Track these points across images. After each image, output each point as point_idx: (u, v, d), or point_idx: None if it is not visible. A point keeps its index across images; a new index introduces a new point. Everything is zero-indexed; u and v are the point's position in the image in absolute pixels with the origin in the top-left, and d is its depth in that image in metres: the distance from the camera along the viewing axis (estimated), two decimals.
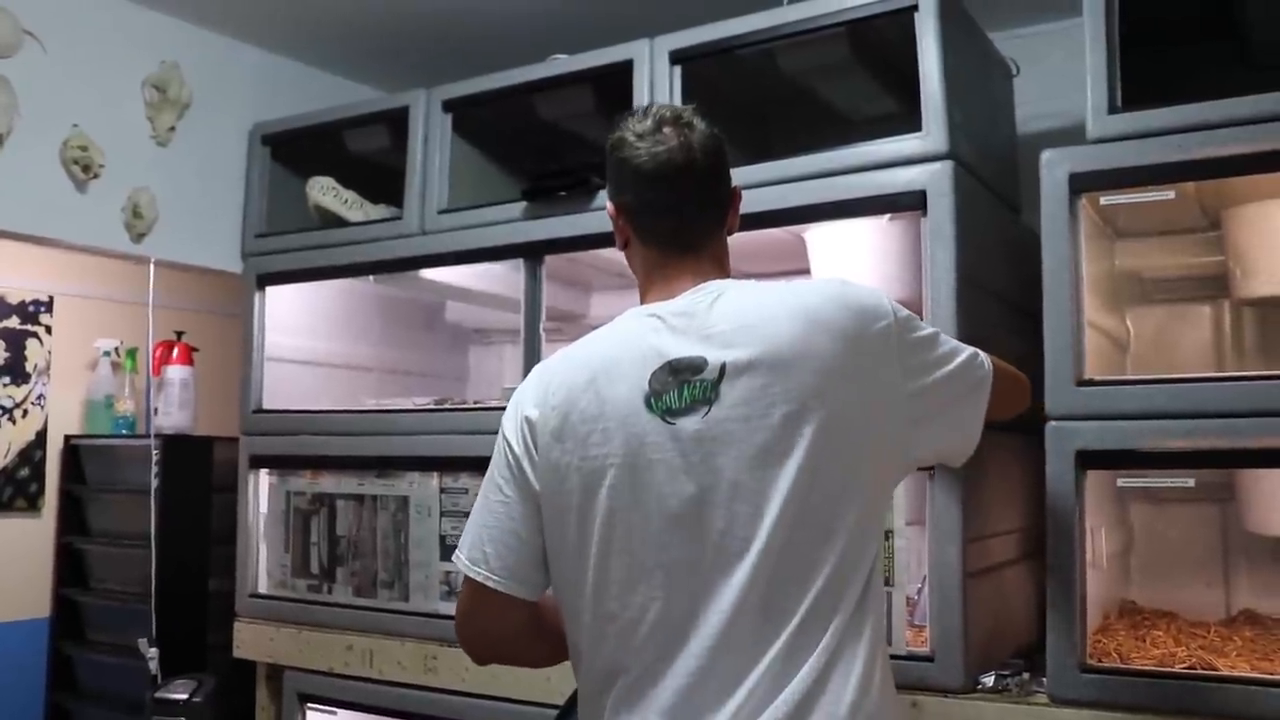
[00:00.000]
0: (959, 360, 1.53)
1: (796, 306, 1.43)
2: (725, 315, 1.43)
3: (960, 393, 1.54)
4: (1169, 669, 1.85)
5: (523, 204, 2.56)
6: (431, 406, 2.76)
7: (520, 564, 1.50)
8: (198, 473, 3.88)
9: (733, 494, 1.36)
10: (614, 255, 2.69)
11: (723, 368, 1.38)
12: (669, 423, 1.39)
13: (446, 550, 2.54)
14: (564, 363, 1.53)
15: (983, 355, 1.60)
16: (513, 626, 1.55)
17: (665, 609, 1.38)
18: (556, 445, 1.45)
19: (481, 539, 1.52)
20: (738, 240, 2.39)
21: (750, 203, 2.21)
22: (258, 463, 2.92)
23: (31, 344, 4.26)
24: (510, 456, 1.51)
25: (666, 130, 1.50)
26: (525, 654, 1.65)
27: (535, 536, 1.50)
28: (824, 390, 1.37)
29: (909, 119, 2.15)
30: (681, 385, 1.39)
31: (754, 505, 1.35)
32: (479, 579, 1.51)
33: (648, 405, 1.40)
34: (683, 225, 1.53)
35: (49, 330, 4.32)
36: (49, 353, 4.31)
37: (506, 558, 1.50)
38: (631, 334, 1.48)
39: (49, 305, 4.32)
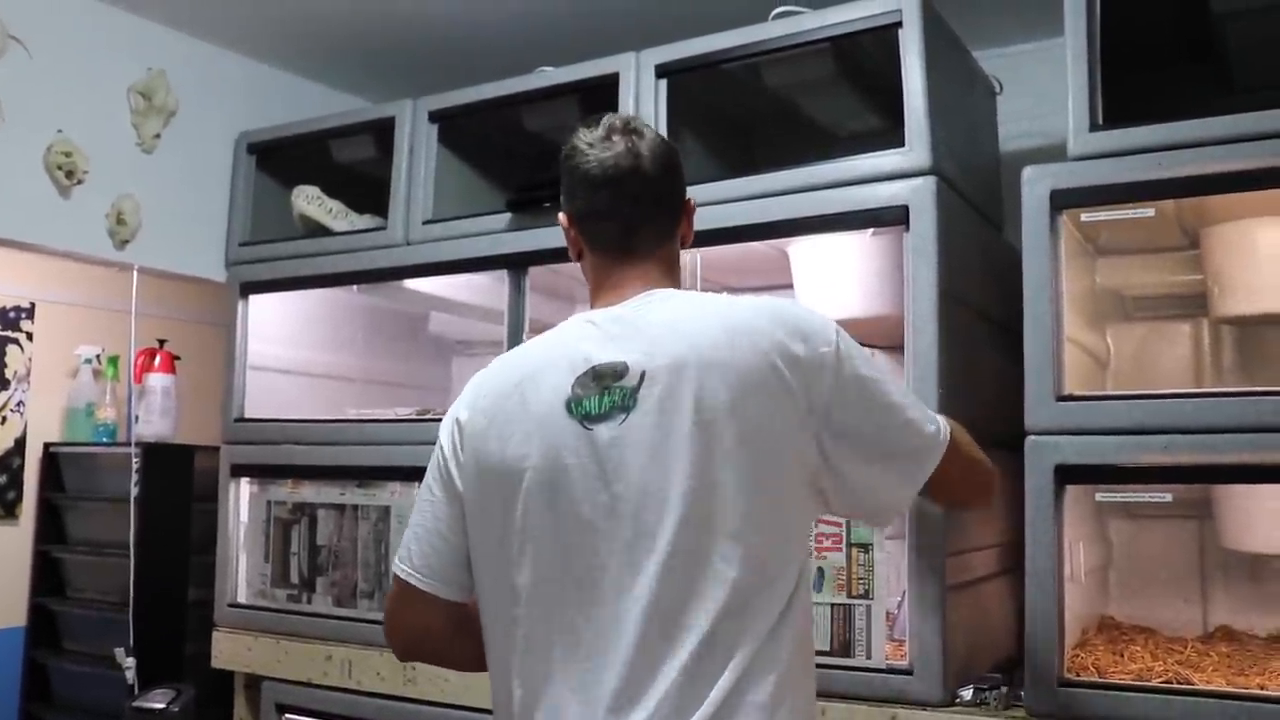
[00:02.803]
0: (902, 417, 1.46)
1: (728, 317, 1.42)
2: (655, 322, 1.43)
3: (889, 450, 1.46)
4: (1146, 683, 1.86)
5: (507, 215, 2.56)
6: (414, 417, 2.76)
7: (444, 564, 1.51)
8: (178, 481, 3.86)
9: (641, 503, 1.35)
10: None
11: (643, 375, 1.38)
12: (587, 428, 1.38)
13: None
14: (499, 366, 1.54)
15: (943, 427, 1.50)
16: (435, 625, 1.55)
17: (570, 618, 1.37)
18: (481, 448, 1.46)
19: (410, 538, 1.54)
20: (722, 255, 2.43)
21: (733, 216, 2.24)
22: (239, 471, 2.91)
23: (12, 350, 4.24)
24: (440, 458, 1.52)
25: (615, 138, 1.51)
26: (448, 654, 1.65)
27: (459, 538, 1.50)
28: (740, 404, 1.36)
29: (892, 135, 2.17)
30: (602, 391, 1.39)
31: (659, 515, 1.34)
32: (403, 576, 1.52)
33: (568, 409, 1.40)
34: (630, 230, 1.53)
35: (30, 337, 4.30)
36: (29, 359, 4.29)
37: (430, 557, 1.51)
38: (566, 339, 1.49)
39: (30, 312, 4.30)
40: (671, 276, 1.56)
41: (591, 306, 1.56)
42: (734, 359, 1.37)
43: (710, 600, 1.32)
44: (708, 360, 1.37)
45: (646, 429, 1.36)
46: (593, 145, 1.51)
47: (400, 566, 1.53)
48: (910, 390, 1.53)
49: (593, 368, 1.41)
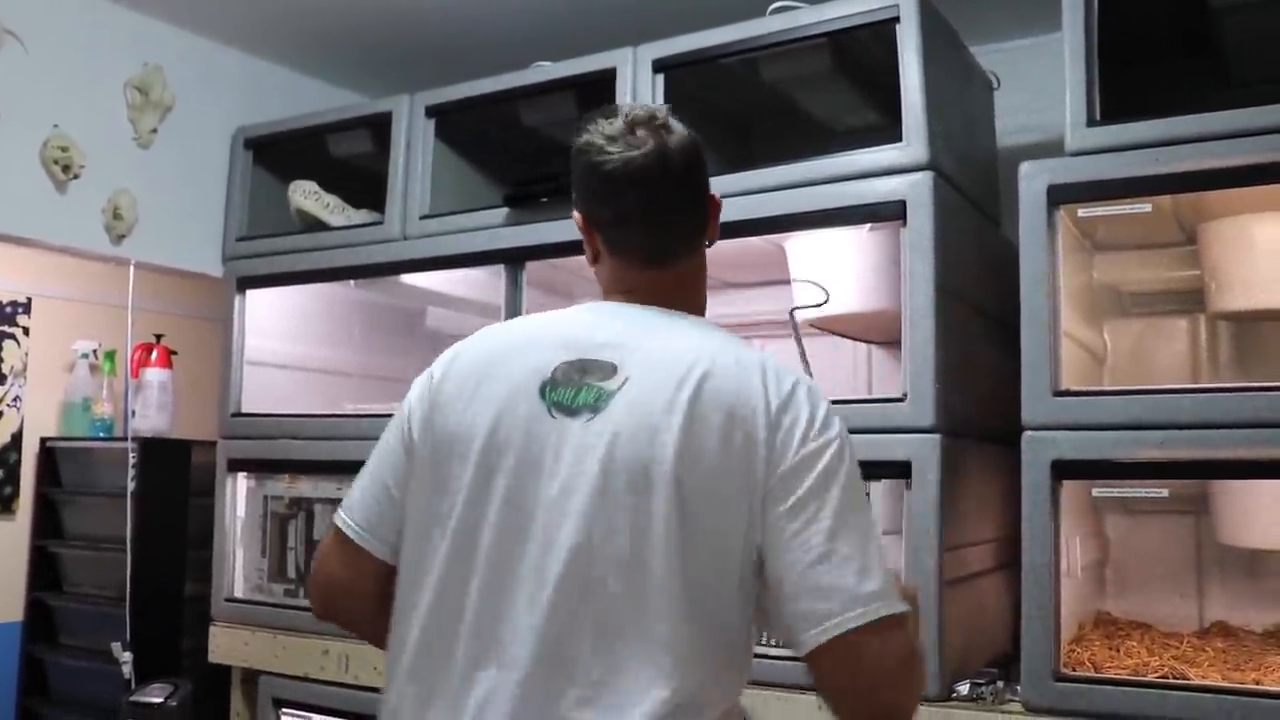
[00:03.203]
0: (862, 550, 1.24)
1: (715, 380, 1.28)
2: (653, 345, 1.33)
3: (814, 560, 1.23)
4: (1142, 678, 1.87)
5: (504, 210, 2.56)
6: None
7: (385, 521, 1.40)
8: (175, 476, 3.85)
9: (559, 513, 1.25)
10: None
11: (625, 381, 1.29)
12: (553, 416, 1.30)
13: None
14: (485, 334, 1.44)
15: (882, 606, 1.22)
16: (362, 585, 1.43)
17: (472, 617, 1.27)
18: (443, 410, 1.36)
19: (356, 487, 1.44)
20: (719, 250, 2.41)
21: (730, 211, 2.21)
22: (236, 466, 2.91)
23: (9, 345, 4.23)
24: (405, 412, 1.42)
25: (640, 132, 1.37)
26: (368, 624, 1.46)
27: (403, 494, 1.39)
28: (692, 467, 1.24)
29: (890, 130, 2.17)
30: (581, 386, 1.30)
31: (582, 535, 1.24)
32: (339, 524, 1.43)
33: (541, 392, 1.31)
34: (658, 238, 1.41)
35: (26, 332, 4.29)
36: (26, 354, 4.28)
37: (372, 510, 1.41)
38: (564, 321, 1.41)
39: (27, 307, 4.29)
40: (696, 288, 1.46)
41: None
42: (704, 437, 1.25)
43: (607, 646, 1.22)
44: (679, 408, 1.26)
45: (602, 443, 1.27)
46: (614, 140, 1.37)
47: (340, 515, 1.43)
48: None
49: (582, 359, 1.32)
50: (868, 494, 1.37)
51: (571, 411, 1.29)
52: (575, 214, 1.46)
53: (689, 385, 1.27)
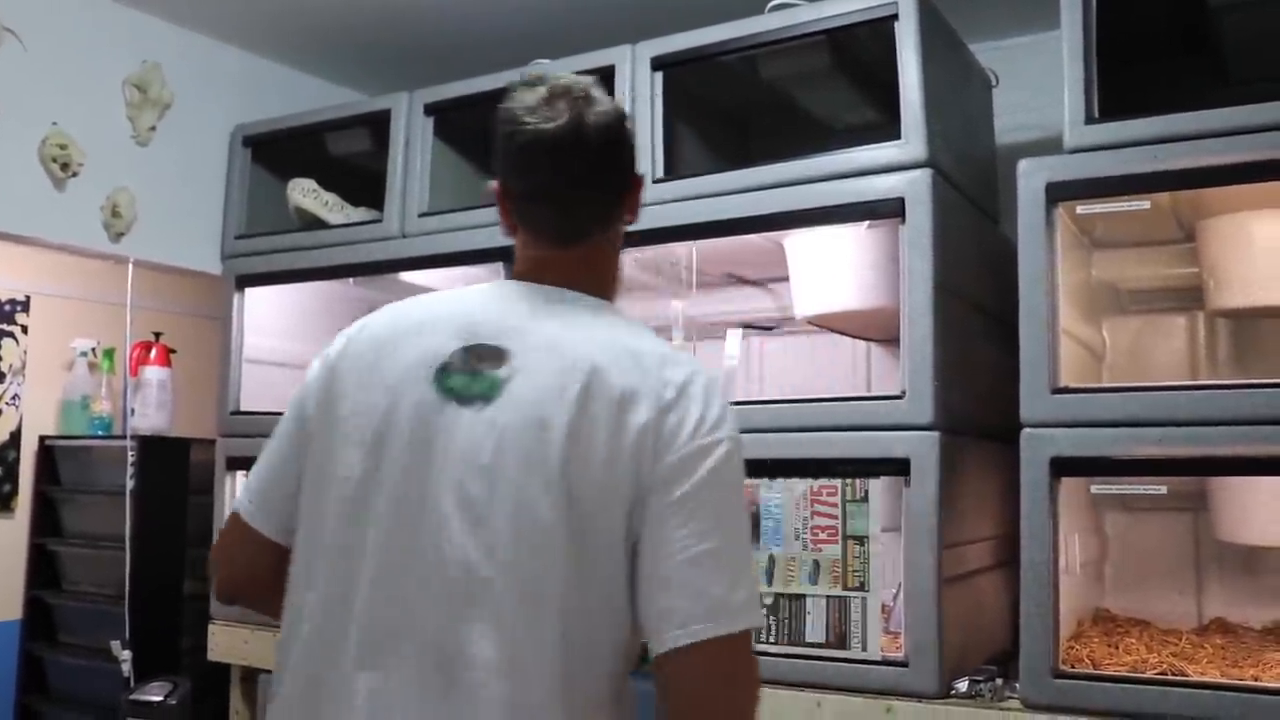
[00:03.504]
0: (727, 563, 1.21)
1: (608, 373, 1.25)
2: (550, 333, 1.29)
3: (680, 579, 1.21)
4: (1141, 675, 1.87)
5: None
6: None
7: (281, 503, 1.37)
8: (174, 474, 3.85)
9: (448, 505, 1.23)
10: None
11: (517, 373, 1.26)
12: (445, 401, 1.26)
13: None
14: (387, 313, 1.41)
15: (745, 619, 1.21)
16: (261, 570, 1.40)
17: (362, 610, 1.24)
18: (339, 390, 1.33)
19: (254, 469, 1.42)
20: (718, 247, 2.42)
21: (729, 209, 2.24)
22: (235, 464, 2.90)
23: (7, 344, 4.23)
24: (302, 391, 1.40)
25: (559, 104, 1.31)
26: (269, 605, 1.42)
27: (300, 476, 1.36)
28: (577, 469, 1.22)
29: (888, 127, 2.17)
30: (475, 372, 1.27)
31: (472, 529, 1.21)
32: (236, 506, 1.41)
33: (436, 377, 1.28)
34: (567, 215, 1.36)
35: (25, 330, 4.29)
36: (25, 352, 4.28)
37: (269, 493, 1.39)
38: (463, 303, 1.37)
39: (26, 305, 4.29)
40: (605, 268, 1.42)
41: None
42: (594, 429, 1.23)
43: (470, 650, 1.20)
44: (570, 407, 1.23)
45: (492, 433, 1.24)
46: (532, 111, 1.32)
47: (239, 497, 1.41)
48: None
49: (478, 345, 1.29)
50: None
51: (465, 399, 1.26)
52: (492, 182, 1.41)
53: (580, 377, 1.24)
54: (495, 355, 1.28)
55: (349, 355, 1.36)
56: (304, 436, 1.37)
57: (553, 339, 1.29)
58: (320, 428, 1.34)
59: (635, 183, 1.41)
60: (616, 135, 1.36)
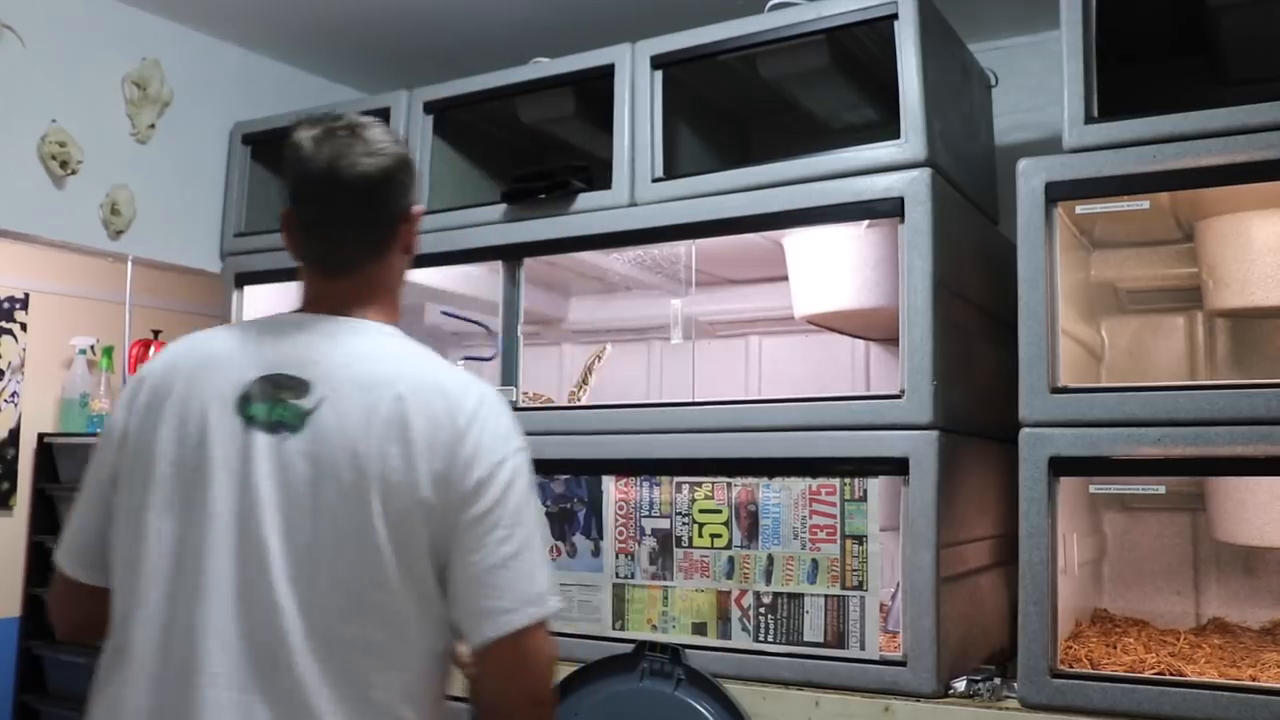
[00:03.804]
0: (526, 563, 1.32)
1: (406, 397, 1.32)
2: (347, 362, 1.35)
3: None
4: (1138, 675, 1.87)
5: (502, 206, 2.56)
6: None
7: (94, 546, 1.40)
8: None
9: (258, 532, 1.28)
10: (594, 260, 2.71)
11: (321, 401, 1.31)
12: (249, 430, 1.31)
13: None
14: (188, 344, 1.43)
15: (552, 601, 1.33)
16: (93, 614, 1.40)
17: (175, 633, 1.28)
18: (143, 424, 1.37)
19: (71, 517, 1.44)
20: (717, 246, 2.43)
21: (728, 208, 2.24)
22: None
23: (6, 341, 4.22)
24: (110, 425, 1.42)
25: (326, 143, 1.37)
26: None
27: (104, 511, 1.39)
28: (384, 487, 1.29)
29: (888, 127, 2.17)
30: (275, 401, 1.32)
31: (285, 554, 1.28)
32: (57, 564, 1.43)
33: (238, 406, 1.33)
34: (333, 248, 1.42)
35: (24, 327, 4.28)
36: (23, 350, 4.27)
37: (81, 538, 1.42)
38: (258, 335, 1.40)
39: (24, 302, 4.29)
40: (384, 297, 1.46)
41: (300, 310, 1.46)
42: (387, 447, 1.29)
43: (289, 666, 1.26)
44: (373, 429, 1.30)
45: (303, 460, 1.29)
46: (306, 144, 1.38)
47: (57, 555, 1.43)
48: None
49: (276, 374, 1.34)
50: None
51: (269, 428, 1.31)
52: (282, 209, 1.45)
53: (384, 403, 1.30)
54: (295, 385, 1.33)
55: (150, 391, 1.39)
56: (112, 481, 1.39)
57: (353, 368, 1.34)
58: (131, 467, 1.37)
59: (407, 217, 1.46)
60: (385, 171, 1.39)
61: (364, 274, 1.43)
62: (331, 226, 1.41)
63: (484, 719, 1.36)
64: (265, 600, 1.26)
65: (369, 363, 1.35)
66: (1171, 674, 1.87)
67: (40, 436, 4.25)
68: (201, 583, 1.27)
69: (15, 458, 4.22)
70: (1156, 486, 1.92)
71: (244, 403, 1.32)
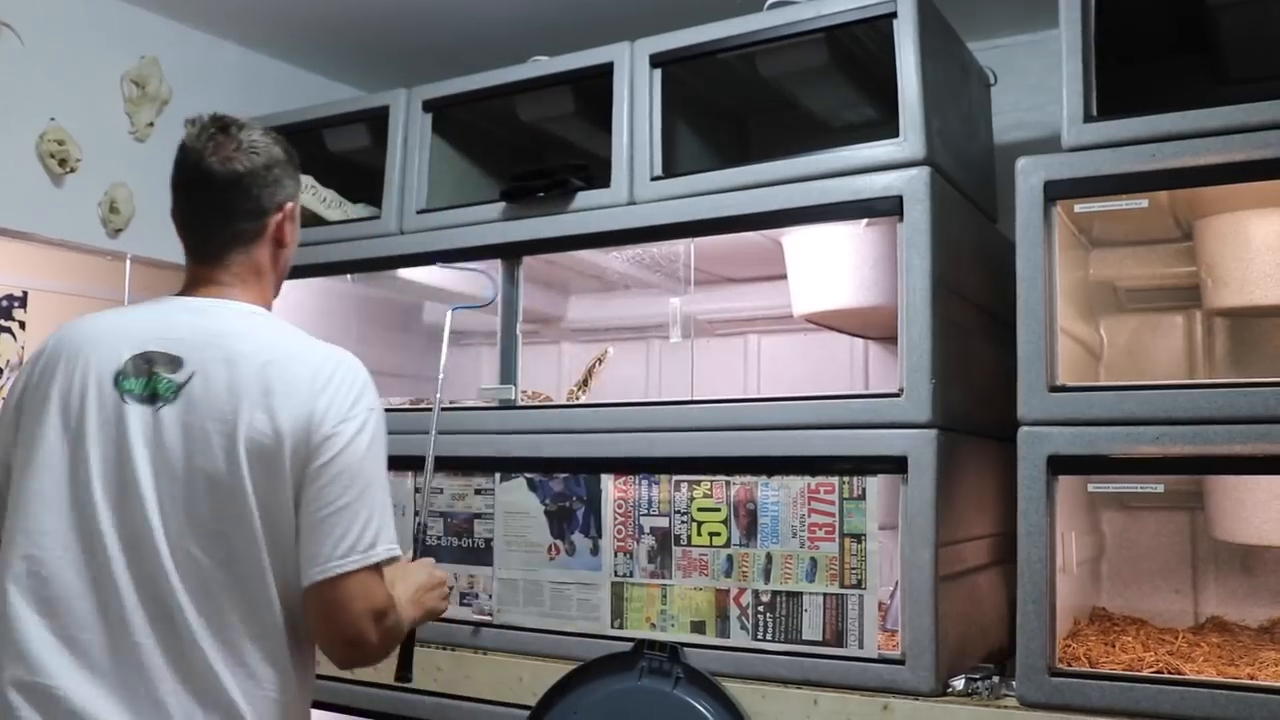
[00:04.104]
0: (359, 514, 1.46)
1: (276, 369, 1.46)
2: (216, 339, 1.48)
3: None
4: (1137, 673, 1.87)
5: (501, 205, 2.56)
6: (407, 406, 2.76)
7: None
8: None
9: (133, 502, 1.42)
10: (593, 258, 2.71)
11: (191, 376, 1.45)
12: (124, 403, 1.46)
13: (420, 549, 2.54)
14: (85, 322, 1.56)
15: (381, 549, 1.47)
16: None
17: (57, 598, 1.41)
18: (30, 393, 1.51)
19: None
20: (716, 244, 2.43)
21: (727, 206, 2.24)
22: None
23: (4, 339, 4.22)
24: (10, 393, 1.56)
25: (210, 138, 1.52)
26: None
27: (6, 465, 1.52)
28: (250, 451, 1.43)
29: (887, 125, 2.17)
30: (150, 375, 1.46)
31: (150, 518, 1.42)
32: None
33: (115, 381, 1.47)
34: (203, 238, 1.57)
35: (22, 326, 4.28)
36: (22, 348, 4.27)
37: None
38: (136, 316, 1.55)
39: (23, 300, 4.28)
40: (255, 283, 1.59)
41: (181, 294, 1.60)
42: (255, 414, 1.44)
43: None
44: (240, 398, 1.44)
45: (176, 427, 1.44)
46: (185, 141, 1.54)
47: None
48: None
49: (148, 352, 1.47)
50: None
51: (144, 400, 1.46)
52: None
53: (250, 373, 1.45)
54: (167, 361, 1.47)
55: (43, 370, 1.52)
56: (10, 437, 1.53)
57: (221, 344, 1.48)
58: (16, 438, 1.51)
59: (281, 212, 1.59)
60: (247, 172, 1.54)
61: (234, 261, 1.57)
62: (200, 218, 1.57)
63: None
64: (150, 555, 1.40)
65: (235, 339, 1.49)
66: (1170, 672, 1.87)
67: None
68: (92, 544, 1.42)
69: None
70: (1155, 485, 1.92)
71: (119, 378, 1.47)
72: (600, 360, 2.83)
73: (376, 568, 1.47)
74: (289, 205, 1.59)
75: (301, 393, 1.45)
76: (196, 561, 1.41)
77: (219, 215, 1.55)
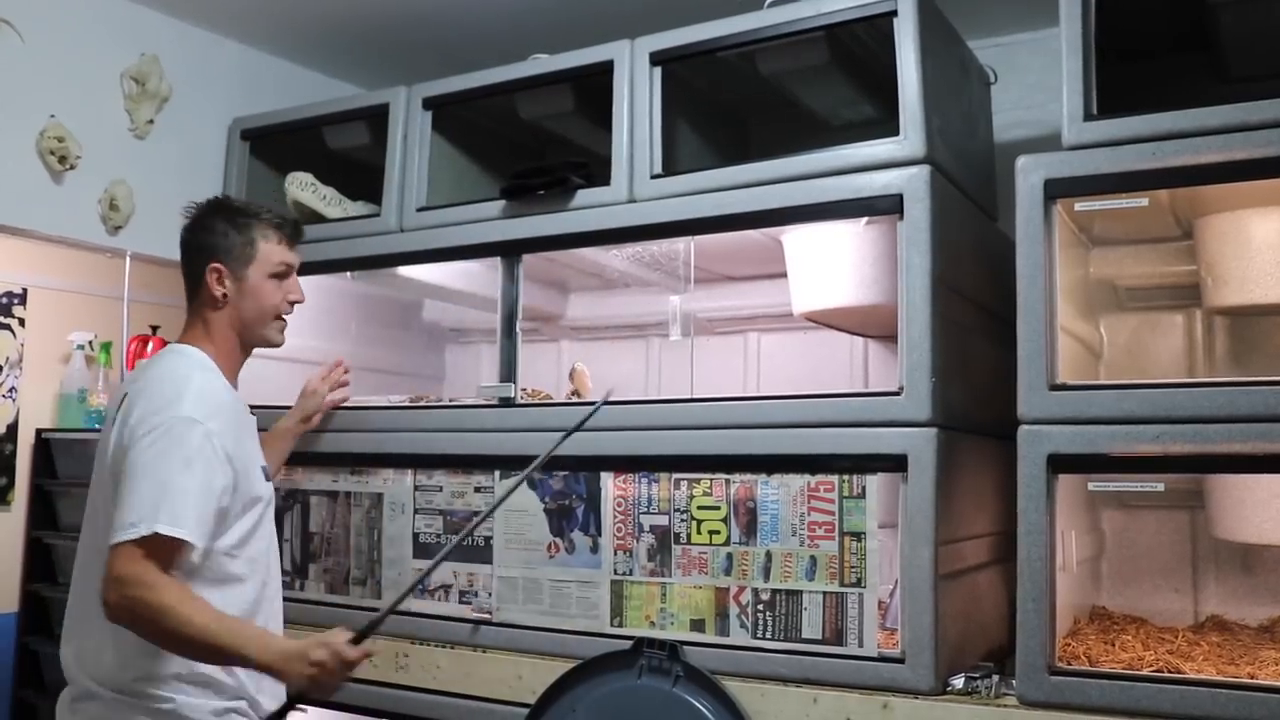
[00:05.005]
0: (126, 499, 1.78)
1: (140, 391, 1.90)
2: (145, 368, 2.00)
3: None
4: (1136, 672, 1.87)
5: (501, 203, 2.56)
6: (407, 404, 2.76)
7: None
8: None
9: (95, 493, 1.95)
10: (593, 256, 2.71)
11: (122, 399, 1.91)
12: (107, 435, 1.92)
13: (420, 548, 2.54)
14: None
15: (143, 529, 1.76)
16: None
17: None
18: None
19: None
20: (716, 243, 2.42)
21: (727, 204, 2.24)
22: None
23: (4, 336, 4.22)
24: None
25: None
26: None
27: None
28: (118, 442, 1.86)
29: (887, 124, 2.17)
30: (117, 410, 1.91)
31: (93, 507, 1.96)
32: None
33: (111, 417, 1.93)
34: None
35: (22, 323, 4.28)
36: (22, 345, 4.27)
37: None
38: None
39: (23, 297, 4.29)
40: (194, 327, 2.04)
41: None
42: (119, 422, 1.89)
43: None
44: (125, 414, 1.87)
45: (103, 442, 1.93)
46: None
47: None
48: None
49: (123, 391, 1.94)
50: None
51: (110, 424, 1.93)
52: None
53: (124, 400, 1.90)
54: (122, 393, 1.94)
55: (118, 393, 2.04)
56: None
57: (135, 379, 1.96)
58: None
59: (209, 272, 2.03)
60: (189, 229, 2.08)
61: (192, 310, 2.06)
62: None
63: None
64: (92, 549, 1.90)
65: (140, 372, 1.99)
66: (1170, 671, 1.87)
67: (38, 432, 4.25)
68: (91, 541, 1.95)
69: (13, 453, 4.22)
70: (1155, 484, 1.92)
71: (114, 414, 1.93)
72: (574, 378, 2.85)
73: (129, 547, 1.76)
74: (209, 266, 2.02)
75: (134, 410, 1.86)
76: (99, 553, 1.85)
77: (184, 271, 2.08)
